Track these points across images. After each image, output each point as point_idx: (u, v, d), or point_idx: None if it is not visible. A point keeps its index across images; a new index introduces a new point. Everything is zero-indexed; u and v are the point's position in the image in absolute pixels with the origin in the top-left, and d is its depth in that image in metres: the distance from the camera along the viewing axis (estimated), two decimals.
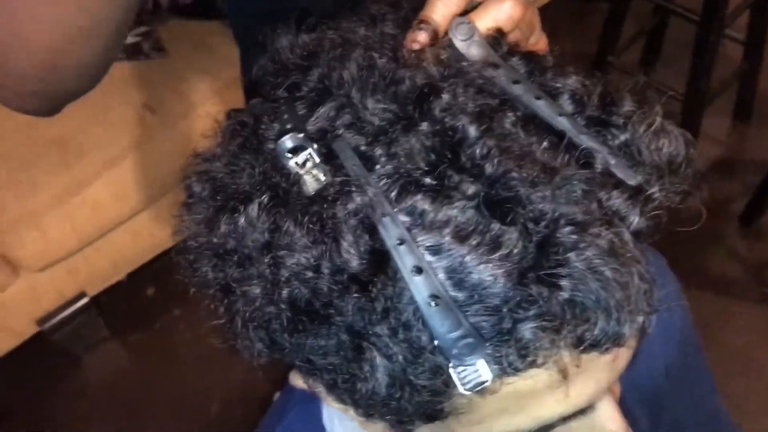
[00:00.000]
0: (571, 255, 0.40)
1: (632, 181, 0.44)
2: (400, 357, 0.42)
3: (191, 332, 2.10)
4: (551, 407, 0.47)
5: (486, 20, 0.51)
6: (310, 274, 0.42)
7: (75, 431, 2.01)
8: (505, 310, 0.41)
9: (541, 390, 0.45)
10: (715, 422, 0.93)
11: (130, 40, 2.03)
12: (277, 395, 0.86)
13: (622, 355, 0.48)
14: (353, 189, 0.42)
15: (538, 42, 0.57)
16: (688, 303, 0.83)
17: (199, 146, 0.50)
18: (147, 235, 2.04)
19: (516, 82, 0.46)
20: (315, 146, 0.45)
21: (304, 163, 0.44)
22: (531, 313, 0.40)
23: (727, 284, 2.11)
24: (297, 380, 0.50)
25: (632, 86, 0.48)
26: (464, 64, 0.48)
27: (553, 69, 0.49)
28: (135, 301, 2.18)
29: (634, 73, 2.45)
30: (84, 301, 2.02)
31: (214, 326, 0.49)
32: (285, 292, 0.43)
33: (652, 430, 0.82)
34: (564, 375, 0.44)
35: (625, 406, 0.61)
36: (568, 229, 0.40)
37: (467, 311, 0.41)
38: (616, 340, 0.42)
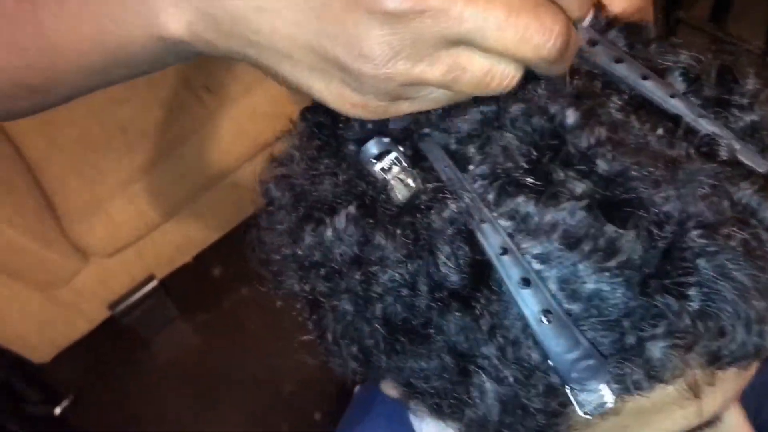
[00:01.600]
0: (701, 261, 0.35)
1: (763, 169, 0.39)
2: (511, 379, 0.38)
3: (261, 311, 2.10)
4: (677, 422, 0.43)
5: None
6: (405, 291, 0.39)
7: (149, 411, 2.05)
8: (626, 323, 0.36)
9: (667, 406, 0.41)
10: None
11: None
12: (357, 388, 0.83)
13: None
14: (447, 195, 0.38)
15: (647, 6, 0.51)
16: None
17: (276, 149, 0.47)
18: (211, 216, 2.04)
19: (618, 60, 0.41)
20: (401, 149, 0.41)
21: (389, 168, 0.40)
22: (659, 329, 0.36)
23: None
24: (391, 390, 0.47)
25: (753, 58, 0.42)
26: None
27: (658, 41, 0.44)
28: (202, 282, 2.19)
29: (705, 28, 2.32)
30: (153, 284, 2.04)
31: (304, 342, 0.46)
32: (379, 309, 0.40)
33: (754, 419, 0.77)
34: (696, 393, 0.40)
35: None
36: (696, 232, 0.35)
37: (583, 326, 0.37)
38: (758, 355, 0.37)
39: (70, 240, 1.85)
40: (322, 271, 0.42)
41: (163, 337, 2.19)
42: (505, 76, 0.35)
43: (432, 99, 0.37)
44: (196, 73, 1.96)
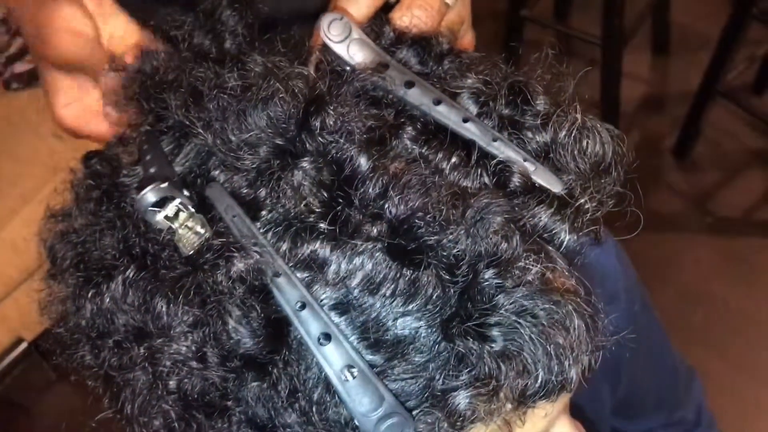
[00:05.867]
0: (499, 298, 0.34)
1: (557, 188, 0.38)
2: None
3: None
4: None
5: (361, 5, 0.44)
6: (195, 364, 0.36)
7: None
8: (432, 368, 0.35)
9: None
10: (671, 370, 0.91)
11: (25, 67, 1.92)
12: None
13: None
14: (233, 252, 0.35)
15: (464, 36, 0.51)
16: (635, 246, 0.80)
17: (53, 203, 0.43)
18: None
19: (410, 84, 0.40)
20: (186, 193, 0.38)
21: (176, 215, 0.37)
22: (463, 378, 0.35)
23: (671, 221, 2.11)
24: None
25: (544, 74, 0.42)
26: (347, 70, 0.42)
27: (450, 56, 0.43)
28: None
29: (549, 24, 2.42)
30: (22, 347, 1.91)
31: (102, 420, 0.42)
32: (172, 384, 0.37)
33: (613, 392, 0.80)
34: (509, 430, 0.39)
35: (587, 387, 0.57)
36: (490, 271, 0.35)
37: (388, 376, 0.35)
38: (563, 387, 0.37)
39: None
40: (110, 343, 0.39)
41: (43, 403, 2.05)
42: None
43: None
44: (43, 121, 1.86)
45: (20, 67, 1.92)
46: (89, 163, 0.43)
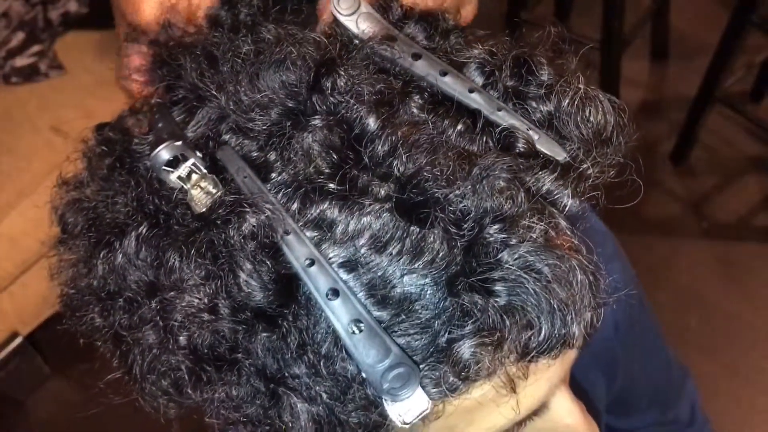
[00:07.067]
0: (504, 254, 0.35)
1: (560, 156, 0.39)
2: (325, 396, 0.37)
3: None
4: (503, 416, 0.42)
5: None
6: (206, 316, 0.36)
7: None
8: (437, 324, 0.36)
9: (489, 402, 0.40)
10: (665, 368, 0.91)
11: (25, 61, 1.92)
12: None
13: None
14: (245, 208, 0.36)
15: (466, 7, 0.51)
16: (632, 250, 0.81)
17: (65, 171, 0.44)
18: None
19: (417, 56, 0.41)
20: (199, 155, 0.39)
21: (189, 176, 0.38)
22: (467, 329, 0.35)
23: (667, 224, 2.12)
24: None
25: (545, 41, 0.43)
26: (356, 42, 0.43)
27: (456, 32, 0.44)
28: (73, 333, 2.07)
29: (548, 27, 2.42)
30: (17, 341, 1.91)
31: (109, 382, 0.43)
32: (182, 339, 0.37)
33: (609, 387, 0.80)
34: (512, 388, 0.39)
35: (581, 375, 0.57)
36: (495, 226, 0.35)
37: (395, 331, 0.36)
38: (565, 343, 0.37)
39: None
40: (120, 302, 0.39)
41: (37, 397, 2.05)
42: None
43: None
44: (42, 115, 1.87)
45: (20, 62, 1.92)
46: (101, 131, 0.44)
